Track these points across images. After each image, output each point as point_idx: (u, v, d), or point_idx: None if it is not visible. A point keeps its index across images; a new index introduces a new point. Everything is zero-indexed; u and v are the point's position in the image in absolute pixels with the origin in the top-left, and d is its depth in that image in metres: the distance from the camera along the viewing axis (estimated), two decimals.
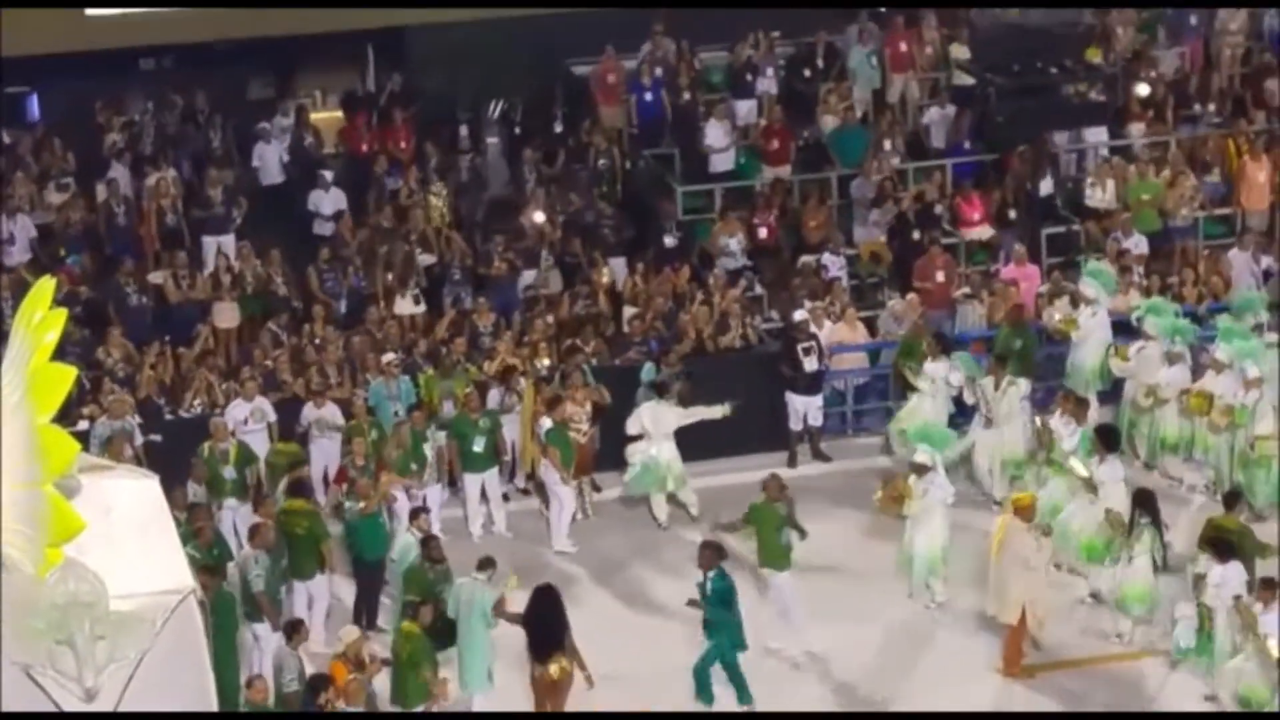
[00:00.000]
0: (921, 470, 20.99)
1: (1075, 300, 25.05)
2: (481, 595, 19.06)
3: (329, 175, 27.83)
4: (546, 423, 22.98)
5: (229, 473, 22.02)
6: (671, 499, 23.28)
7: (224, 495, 21.88)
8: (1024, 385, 23.54)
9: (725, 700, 19.82)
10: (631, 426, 23.00)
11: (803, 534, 20.50)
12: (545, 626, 18.74)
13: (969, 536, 21.59)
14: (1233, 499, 20.86)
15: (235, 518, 21.86)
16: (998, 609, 20.26)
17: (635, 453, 23.00)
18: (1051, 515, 21.14)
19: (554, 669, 18.51)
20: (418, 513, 20.90)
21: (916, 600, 21.38)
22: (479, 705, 19.35)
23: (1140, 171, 28.39)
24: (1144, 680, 20.16)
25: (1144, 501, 20.45)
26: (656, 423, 22.82)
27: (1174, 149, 29.05)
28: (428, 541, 20.06)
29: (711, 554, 19.48)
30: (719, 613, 19.46)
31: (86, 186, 27.76)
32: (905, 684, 20.24)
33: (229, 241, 26.99)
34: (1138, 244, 26.95)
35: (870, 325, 26.07)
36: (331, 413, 23.17)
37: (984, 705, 19.74)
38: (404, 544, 20.58)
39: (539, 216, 27.27)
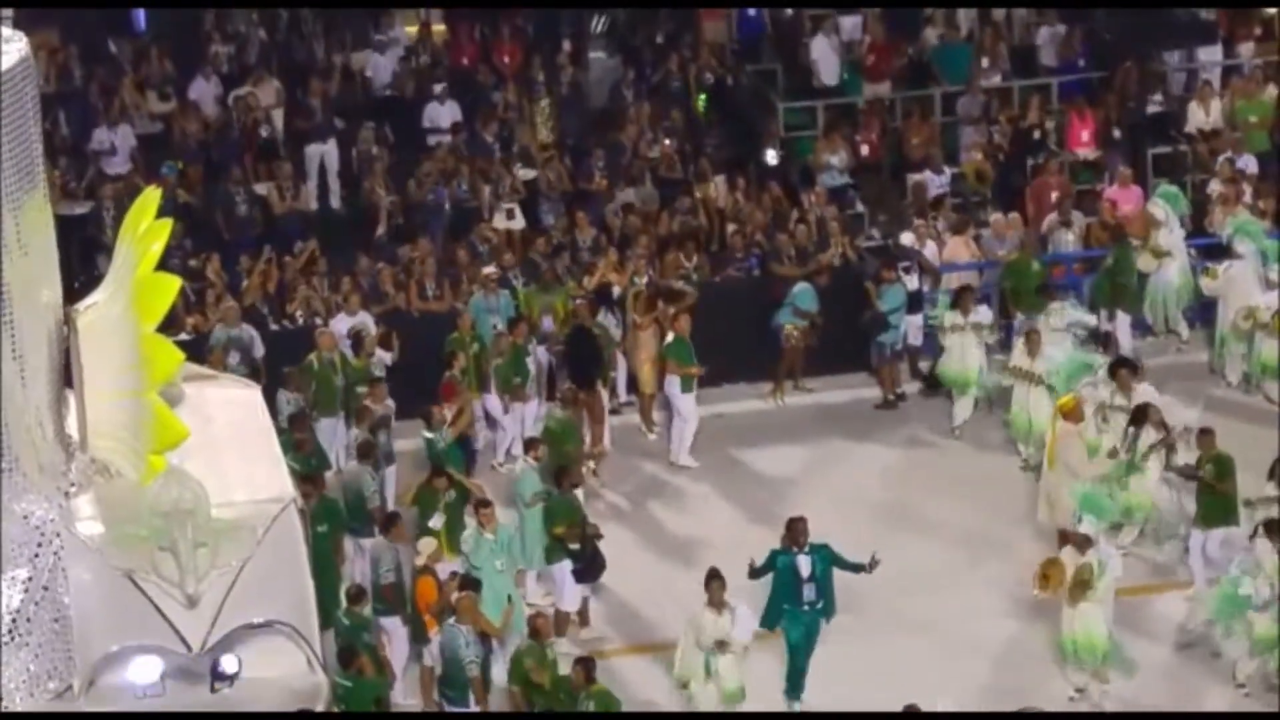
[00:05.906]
0: (1085, 543, 18.54)
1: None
2: (527, 478, 19.89)
3: (442, 88, 27.71)
4: (669, 336, 22.94)
5: (339, 381, 22.05)
6: None
7: (334, 405, 21.95)
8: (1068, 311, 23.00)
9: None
10: None
11: None
12: (585, 359, 22.52)
13: None
14: None
15: (339, 427, 21.96)
16: (1048, 513, 20.09)
17: None
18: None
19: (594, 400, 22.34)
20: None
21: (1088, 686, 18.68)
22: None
23: (1249, 91, 28.00)
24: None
25: (1137, 416, 20.25)
26: None
27: None
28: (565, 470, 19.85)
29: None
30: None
31: (190, 96, 27.81)
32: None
33: (332, 152, 27.05)
34: (1247, 165, 26.62)
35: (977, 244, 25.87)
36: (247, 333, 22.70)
37: None
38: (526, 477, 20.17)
39: (637, 133, 27.15)
